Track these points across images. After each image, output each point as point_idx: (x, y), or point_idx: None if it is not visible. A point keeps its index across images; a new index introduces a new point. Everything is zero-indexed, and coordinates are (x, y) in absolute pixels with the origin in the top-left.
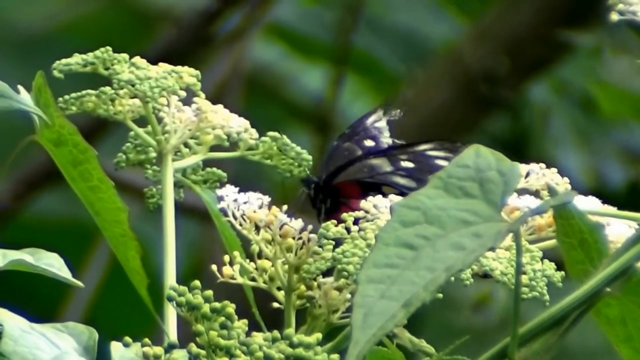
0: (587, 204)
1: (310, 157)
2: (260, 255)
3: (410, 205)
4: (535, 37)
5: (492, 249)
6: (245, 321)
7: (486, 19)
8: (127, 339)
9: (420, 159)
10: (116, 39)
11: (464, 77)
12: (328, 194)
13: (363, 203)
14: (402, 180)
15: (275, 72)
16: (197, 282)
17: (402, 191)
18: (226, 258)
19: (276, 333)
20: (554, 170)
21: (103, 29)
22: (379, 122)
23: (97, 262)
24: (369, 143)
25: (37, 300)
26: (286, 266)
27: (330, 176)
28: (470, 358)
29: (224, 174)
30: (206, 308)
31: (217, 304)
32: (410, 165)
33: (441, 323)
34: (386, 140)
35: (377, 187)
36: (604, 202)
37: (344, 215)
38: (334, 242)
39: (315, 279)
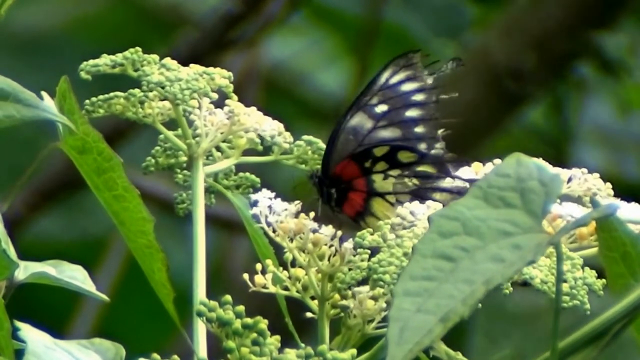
0: (632, 212)
1: None
2: (293, 263)
3: (449, 216)
4: (563, 32)
5: (532, 262)
6: (279, 337)
7: (512, 13)
8: (156, 355)
9: (389, 94)
10: (126, 38)
11: (491, 73)
12: (331, 184)
13: (399, 209)
14: (387, 133)
15: (292, 69)
16: (228, 297)
17: (392, 146)
18: (258, 266)
19: (309, 349)
20: (597, 175)
21: (112, 28)
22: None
23: (106, 274)
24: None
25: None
26: (319, 275)
27: (326, 162)
28: (520, 342)
29: (257, 179)
30: (238, 324)
31: (249, 320)
32: (384, 108)
33: (491, 305)
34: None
35: (369, 154)
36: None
37: (379, 223)
38: (369, 251)
39: (349, 288)
